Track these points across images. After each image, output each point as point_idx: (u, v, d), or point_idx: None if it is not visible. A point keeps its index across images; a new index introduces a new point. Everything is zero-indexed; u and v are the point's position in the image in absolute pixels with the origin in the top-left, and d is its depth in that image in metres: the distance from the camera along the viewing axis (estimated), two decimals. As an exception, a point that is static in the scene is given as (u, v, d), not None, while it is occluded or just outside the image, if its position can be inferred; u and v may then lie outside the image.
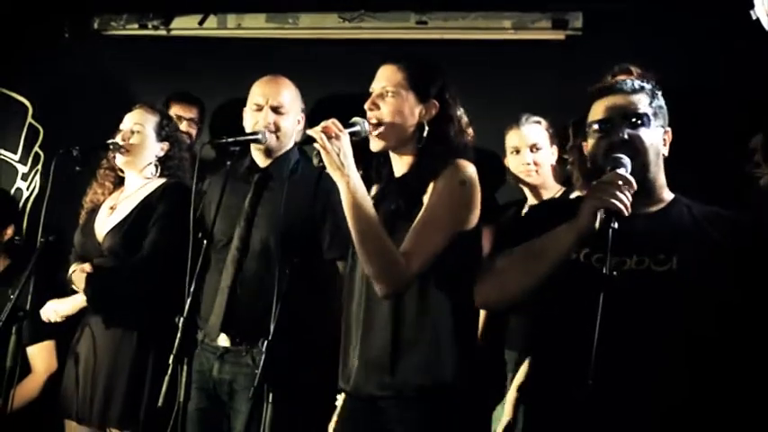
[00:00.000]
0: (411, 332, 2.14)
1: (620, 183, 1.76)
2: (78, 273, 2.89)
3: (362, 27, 3.76)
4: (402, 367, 2.12)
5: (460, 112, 2.30)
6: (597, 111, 1.95)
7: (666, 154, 1.97)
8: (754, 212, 2.02)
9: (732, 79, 3.18)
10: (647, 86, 1.98)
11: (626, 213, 1.74)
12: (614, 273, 1.73)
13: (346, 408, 2.26)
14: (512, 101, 3.44)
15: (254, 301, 2.56)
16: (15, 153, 4.14)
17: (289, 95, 2.76)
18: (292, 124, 2.75)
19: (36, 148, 4.10)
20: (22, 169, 4.12)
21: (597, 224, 1.75)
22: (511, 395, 2.48)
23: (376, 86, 2.24)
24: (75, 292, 2.95)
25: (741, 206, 2.03)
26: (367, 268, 2.09)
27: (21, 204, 4.05)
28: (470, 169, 2.16)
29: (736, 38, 3.12)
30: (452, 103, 2.26)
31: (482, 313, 2.64)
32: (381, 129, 2.19)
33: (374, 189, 2.33)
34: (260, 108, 2.72)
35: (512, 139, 3.10)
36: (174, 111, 3.57)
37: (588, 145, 1.98)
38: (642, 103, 1.93)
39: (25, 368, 3.21)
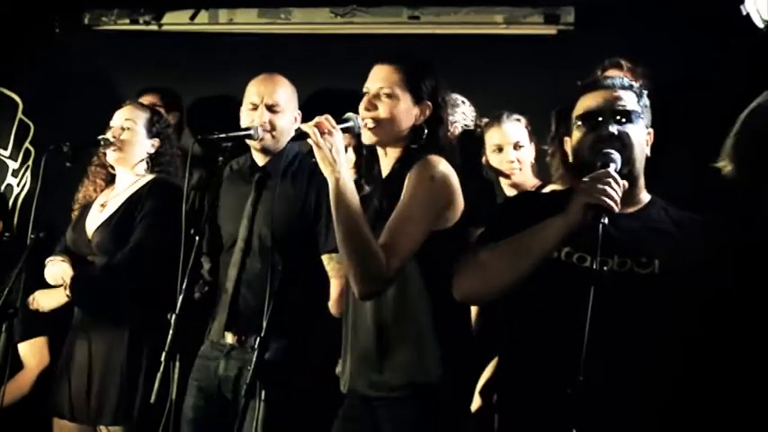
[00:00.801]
0: (393, 332, 2.14)
1: (611, 180, 1.76)
2: (55, 269, 2.90)
3: (354, 22, 3.75)
4: (387, 367, 2.13)
5: (469, 107, 2.31)
6: (584, 105, 1.95)
7: (649, 154, 1.97)
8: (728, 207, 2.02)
9: (724, 74, 3.18)
10: (635, 85, 1.98)
11: (616, 210, 1.74)
12: (604, 268, 1.73)
13: (344, 406, 2.26)
14: (504, 96, 3.44)
15: (258, 300, 2.54)
16: (6, 149, 4.12)
17: (284, 94, 2.74)
18: (288, 122, 2.72)
19: (26, 144, 4.09)
20: (12, 165, 4.11)
21: (587, 220, 1.75)
22: (482, 382, 2.48)
23: (371, 86, 2.22)
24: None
25: (728, 202, 2.03)
26: (347, 267, 2.07)
27: (11, 201, 4.04)
28: (441, 164, 2.14)
29: (728, 32, 3.13)
30: (443, 105, 2.26)
31: (473, 311, 2.63)
32: (377, 128, 2.18)
33: (366, 190, 2.31)
34: (255, 107, 2.70)
35: (493, 136, 3.08)
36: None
37: (572, 139, 1.97)
38: (630, 100, 1.94)
39: (17, 366, 3.20)
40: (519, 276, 1.86)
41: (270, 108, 2.69)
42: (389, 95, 2.19)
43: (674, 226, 1.92)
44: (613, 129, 1.89)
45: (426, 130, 2.21)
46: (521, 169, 3.05)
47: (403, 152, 2.22)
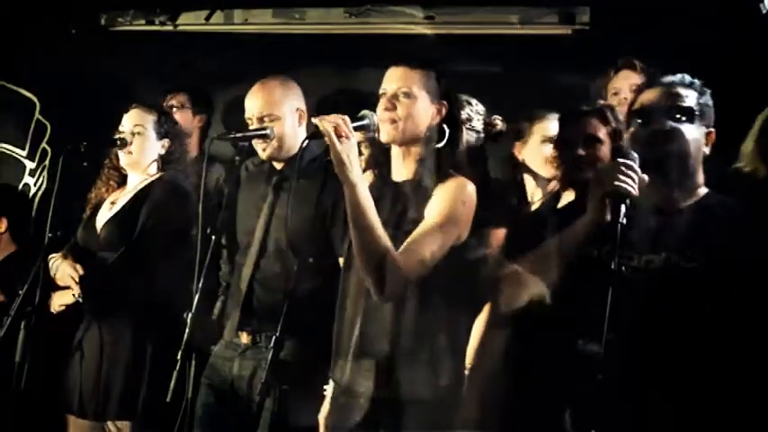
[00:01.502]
0: (409, 342, 2.15)
1: (622, 166, 1.76)
2: (61, 270, 2.93)
3: (369, 22, 3.76)
4: (399, 374, 2.14)
5: (475, 108, 2.33)
6: (641, 101, 1.95)
7: (708, 153, 1.95)
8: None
9: (741, 75, 3.16)
10: (697, 83, 1.96)
11: (635, 193, 1.74)
12: (622, 268, 1.73)
13: (339, 399, 2.26)
14: (518, 96, 3.43)
15: (271, 299, 2.55)
16: (23, 149, 4.16)
17: (273, 101, 2.68)
18: (289, 125, 2.69)
19: (44, 144, 4.13)
20: (29, 165, 4.15)
21: (609, 215, 1.76)
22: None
23: (389, 87, 2.24)
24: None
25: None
26: (364, 272, 2.08)
27: (28, 200, 4.07)
28: (470, 188, 2.19)
29: (745, 33, 3.11)
30: (456, 102, 2.30)
31: (476, 331, 2.62)
32: (396, 128, 2.20)
33: (368, 176, 2.31)
34: (252, 123, 2.71)
35: (546, 128, 3.00)
36: None
37: (627, 134, 1.98)
38: (689, 98, 1.92)
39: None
40: (555, 281, 1.86)
41: (263, 120, 2.66)
42: (408, 95, 2.21)
43: (725, 220, 1.89)
44: (666, 125, 1.88)
45: (448, 130, 2.23)
46: None
47: (422, 154, 2.24)
